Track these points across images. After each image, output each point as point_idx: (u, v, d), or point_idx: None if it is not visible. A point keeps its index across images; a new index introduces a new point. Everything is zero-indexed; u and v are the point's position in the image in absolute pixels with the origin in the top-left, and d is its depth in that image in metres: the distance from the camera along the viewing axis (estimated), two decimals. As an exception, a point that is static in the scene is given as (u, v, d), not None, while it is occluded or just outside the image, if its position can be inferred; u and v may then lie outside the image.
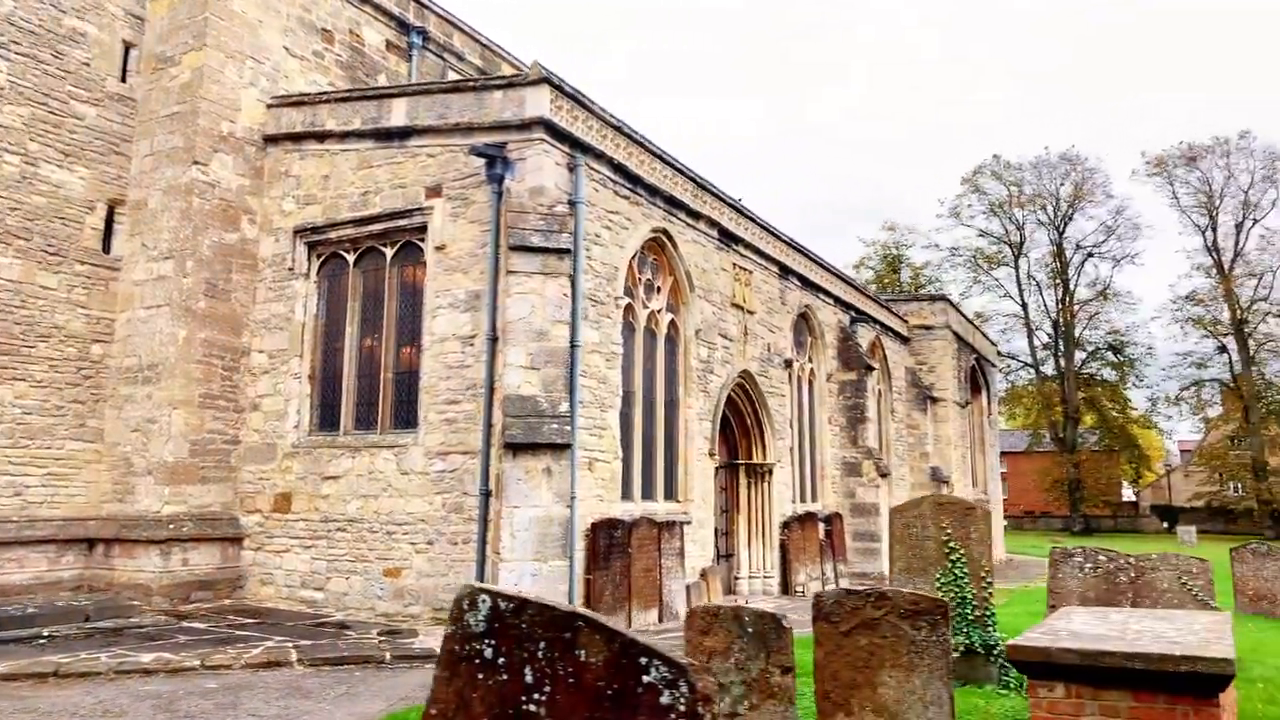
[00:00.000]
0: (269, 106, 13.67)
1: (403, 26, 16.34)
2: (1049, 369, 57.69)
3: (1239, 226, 53.56)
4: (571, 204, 11.56)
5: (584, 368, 11.63)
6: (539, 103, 11.32)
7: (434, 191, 11.93)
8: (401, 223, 12.15)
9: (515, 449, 10.03)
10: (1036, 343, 58.32)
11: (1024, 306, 57.52)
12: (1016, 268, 57.96)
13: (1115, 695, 4.38)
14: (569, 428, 10.39)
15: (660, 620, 12.32)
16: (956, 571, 6.96)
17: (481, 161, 11.39)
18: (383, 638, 9.45)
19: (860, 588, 5.12)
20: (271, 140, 13.59)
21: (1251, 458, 50.80)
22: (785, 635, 5.28)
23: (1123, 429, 56.61)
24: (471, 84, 12.13)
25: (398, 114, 12.40)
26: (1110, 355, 58.07)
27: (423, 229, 11.96)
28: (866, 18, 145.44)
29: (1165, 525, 55.53)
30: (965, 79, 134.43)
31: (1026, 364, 58.59)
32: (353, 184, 12.70)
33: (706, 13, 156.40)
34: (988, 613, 6.88)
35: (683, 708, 2.29)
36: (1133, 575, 8.36)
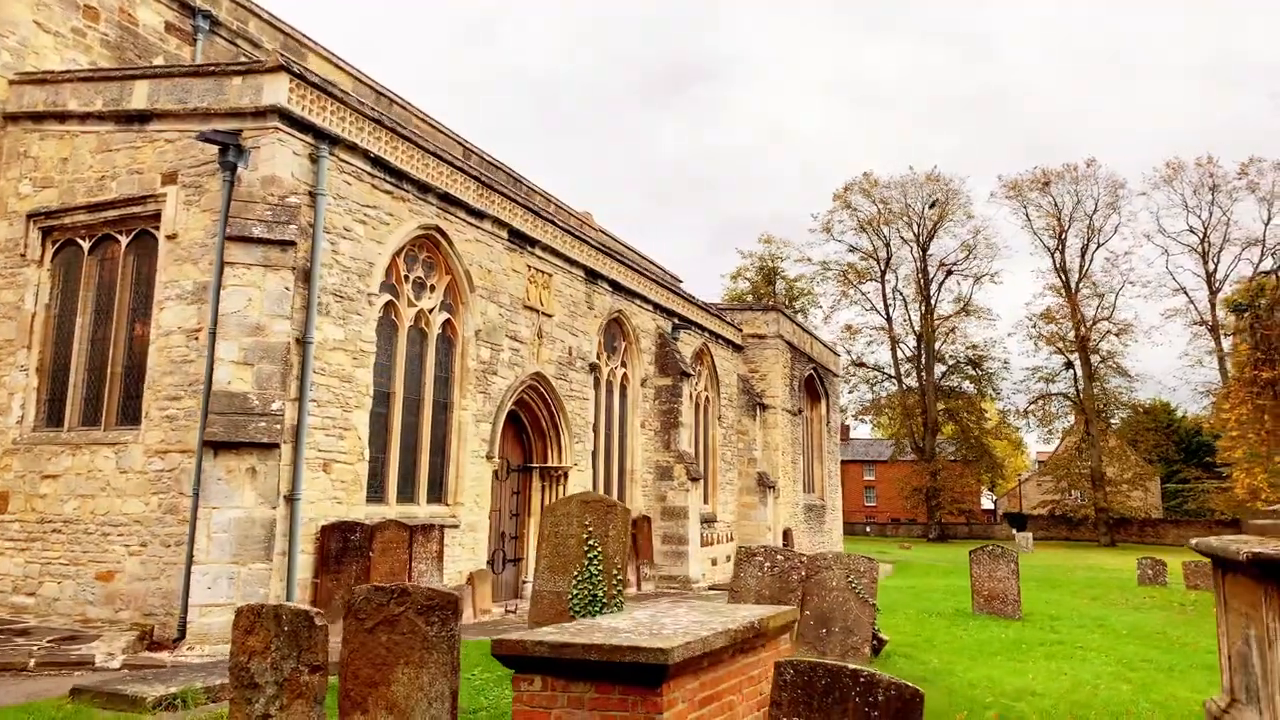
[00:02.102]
0: (11, 83, 12.86)
1: (186, 8, 15.66)
2: (913, 381, 59.94)
3: (1084, 249, 56.90)
4: (313, 195, 11.26)
5: (322, 365, 11.33)
6: (276, 90, 10.97)
7: (170, 178, 11.41)
8: (136, 210, 11.58)
9: (216, 448, 9.65)
10: (901, 355, 60.54)
11: (888, 320, 59.66)
12: (883, 282, 60.14)
13: (582, 687, 4.40)
14: (279, 426, 10.05)
15: (407, 624, 12.07)
16: (592, 569, 6.98)
17: (217, 149, 10.98)
18: (50, 644, 8.93)
19: (387, 585, 5.03)
20: (12, 119, 12.79)
21: (1091, 468, 53.86)
22: (317, 633, 5.14)
23: (978, 440, 59.18)
24: (212, 69, 11.68)
25: (139, 96, 11.84)
26: (969, 369, 60.74)
27: (157, 217, 11.44)
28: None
29: (1014, 531, 58.26)
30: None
31: (890, 376, 60.69)
32: (91, 168, 12.06)
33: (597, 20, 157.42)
34: (616, 610, 6.91)
35: None
36: (804, 574, 8.60)
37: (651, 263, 32.39)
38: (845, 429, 73.54)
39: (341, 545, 11.23)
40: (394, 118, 18.87)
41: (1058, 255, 57.13)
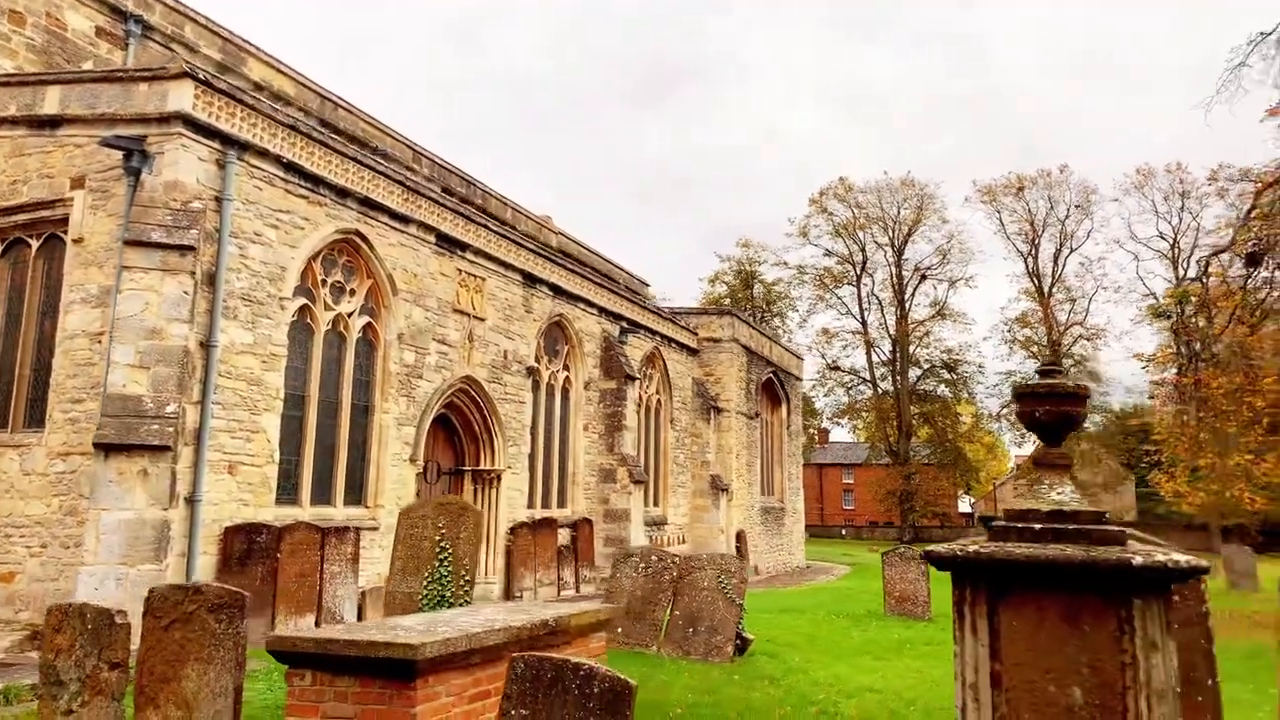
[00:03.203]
0: (-70, 87, 12.94)
1: (118, 13, 15.77)
2: (889, 385, 60.16)
3: (1057, 254, 57.24)
4: (219, 200, 11.37)
5: (229, 369, 11.44)
6: (181, 97, 11.09)
7: (78, 183, 11.52)
8: (46, 214, 11.69)
9: (108, 450, 9.74)
10: (876, 359, 60.77)
11: (863, 324, 59.90)
12: (858, 287, 60.34)
13: (347, 681, 4.53)
14: (171, 429, 10.15)
15: (317, 625, 12.17)
16: (442, 571, 7.11)
17: (122, 154, 11.09)
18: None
19: (184, 583, 5.15)
20: (-70, 123, 12.87)
21: (1063, 471, 54.09)
22: (117, 631, 5.26)
23: (953, 443, 59.40)
24: (120, 74, 11.80)
25: (50, 101, 11.94)
26: (944, 373, 61.00)
27: (66, 221, 11.54)
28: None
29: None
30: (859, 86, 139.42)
31: (865, 380, 60.95)
32: (4, 172, 12.14)
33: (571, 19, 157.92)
34: (459, 610, 7.04)
35: None
36: (676, 575, 8.75)
37: (615, 265, 32.53)
38: (825, 432, 73.84)
39: (246, 547, 11.32)
40: (331, 121, 19.02)
41: (1030, 260, 57.48)
